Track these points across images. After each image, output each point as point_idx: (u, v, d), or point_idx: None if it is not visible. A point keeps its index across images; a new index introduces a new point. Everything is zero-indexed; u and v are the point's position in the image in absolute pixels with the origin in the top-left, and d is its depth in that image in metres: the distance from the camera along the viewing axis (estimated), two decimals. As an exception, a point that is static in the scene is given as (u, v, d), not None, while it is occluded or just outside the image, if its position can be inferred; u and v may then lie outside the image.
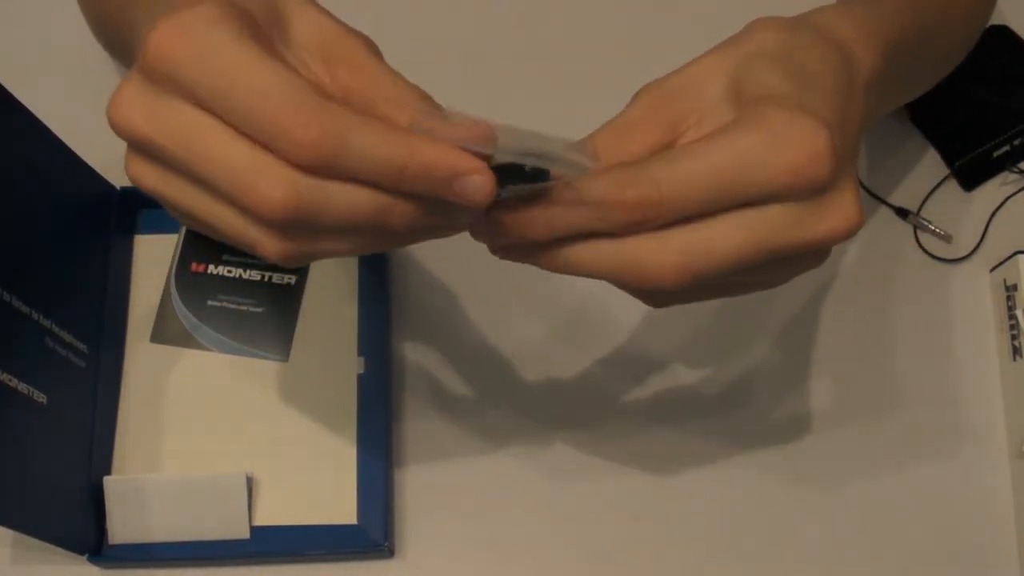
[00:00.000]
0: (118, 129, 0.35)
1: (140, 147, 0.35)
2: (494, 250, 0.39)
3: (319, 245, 0.35)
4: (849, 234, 0.36)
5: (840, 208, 0.36)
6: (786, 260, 0.37)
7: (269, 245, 0.35)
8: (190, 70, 0.32)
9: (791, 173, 0.34)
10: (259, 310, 0.62)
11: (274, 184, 0.32)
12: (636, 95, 0.39)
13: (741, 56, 0.38)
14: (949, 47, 0.57)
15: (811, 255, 0.38)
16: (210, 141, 0.33)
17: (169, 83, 0.33)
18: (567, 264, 0.37)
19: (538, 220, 0.36)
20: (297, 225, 0.34)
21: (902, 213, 0.64)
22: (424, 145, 0.33)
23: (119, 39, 0.49)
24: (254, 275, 0.63)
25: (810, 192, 0.35)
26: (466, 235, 0.64)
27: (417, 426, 0.60)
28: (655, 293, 0.38)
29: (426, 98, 0.36)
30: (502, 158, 0.35)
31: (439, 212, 0.35)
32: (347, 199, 0.33)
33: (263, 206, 0.33)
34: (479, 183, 0.34)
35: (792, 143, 0.34)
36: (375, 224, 0.34)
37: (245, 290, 0.62)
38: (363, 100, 0.35)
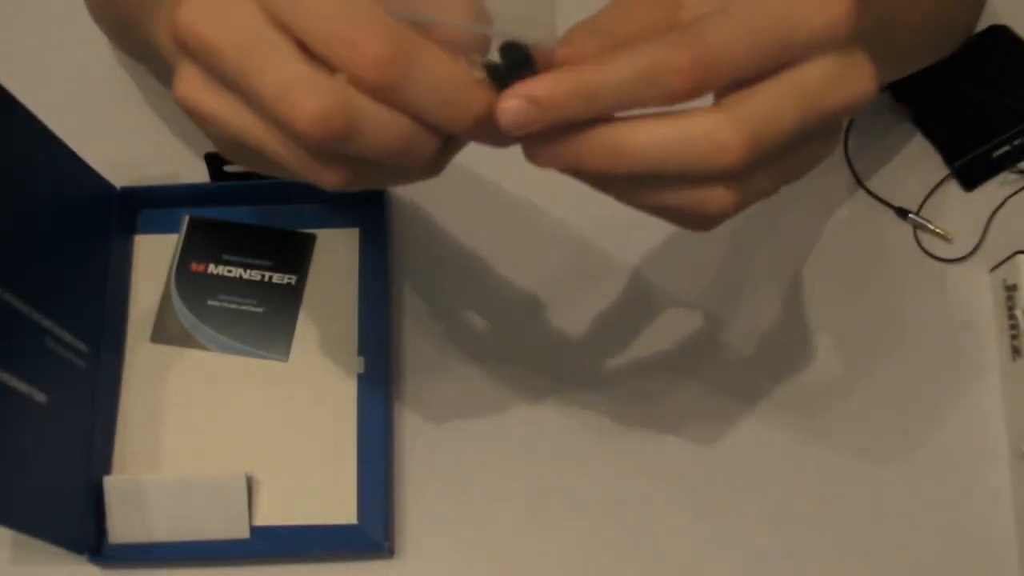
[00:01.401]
0: (182, 31, 0.33)
1: (198, 54, 0.33)
2: (531, 154, 0.36)
3: (357, 172, 0.34)
4: (870, 96, 0.35)
5: (863, 67, 0.35)
6: (828, 127, 0.36)
7: (320, 173, 0.34)
8: None
9: (830, 25, 0.34)
10: (259, 310, 0.62)
11: (320, 97, 0.32)
12: None
13: None
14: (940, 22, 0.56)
15: (838, 125, 0.37)
16: (269, 51, 0.32)
17: None
18: (620, 153, 0.34)
19: (578, 101, 0.34)
20: (335, 145, 0.33)
21: (902, 213, 0.64)
22: (478, 90, 0.33)
23: (136, 28, 0.49)
24: (254, 275, 0.63)
25: (844, 45, 0.34)
26: (465, 241, 0.65)
27: (417, 426, 0.60)
28: (712, 195, 0.36)
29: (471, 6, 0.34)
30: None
31: (459, 145, 0.35)
32: (389, 125, 0.33)
33: (304, 121, 0.32)
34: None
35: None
36: (412, 153, 0.34)
37: (245, 290, 0.62)
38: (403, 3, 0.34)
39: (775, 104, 0.34)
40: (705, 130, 0.34)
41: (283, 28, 0.32)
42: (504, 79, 0.34)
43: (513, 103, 0.33)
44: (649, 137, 0.34)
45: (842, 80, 0.35)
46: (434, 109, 0.33)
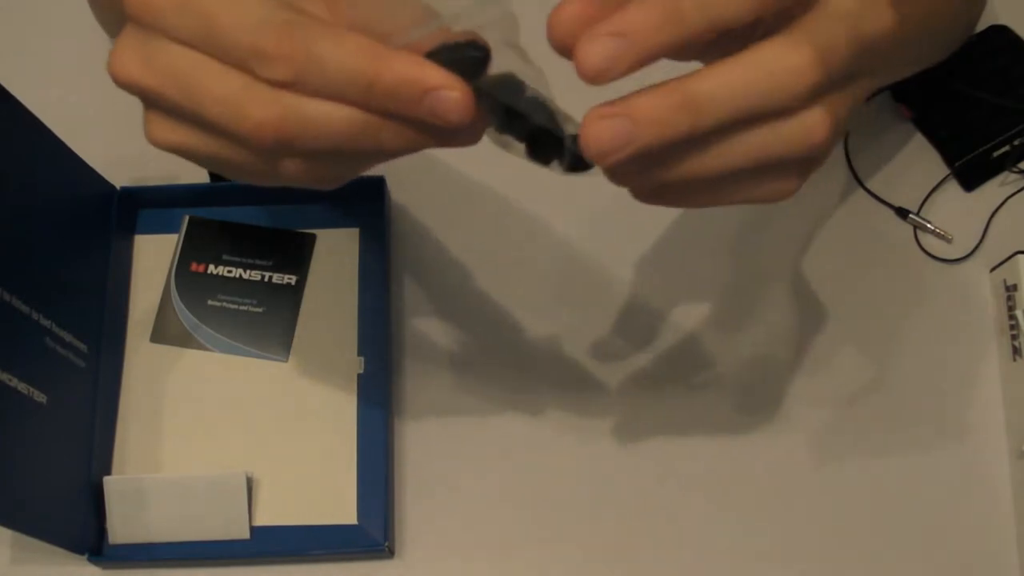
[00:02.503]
0: (118, 80, 0.35)
1: (142, 96, 0.35)
2: (639, 193, 0.35)
3: (327, 166, 0.35)
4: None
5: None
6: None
7: (286, 171, 0.35)
8: (170, 16, 0.33)
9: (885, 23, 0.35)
10: (259, 310, 0.62)
11: (259, 106, 0.32)
12: None
13: None
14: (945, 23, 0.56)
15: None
16: (201, 76, 0.33)
17: (154, 28, 0.34)
18: (699, 106, 0.32)
19: (683, 117, 0.32)
20: (287, 147, 0.33)
21: (902, 213, 0.64)
22: (394, 58, 0.32)
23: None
24: (254, 275, 0.63)
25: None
26: (465, 242, 0.65)
27: (417, 426, 0.60)
28: (809, 120, 0.34)
29: (426, 12, 0.33)
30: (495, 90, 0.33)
31: (429, 131, 0.34)
32: (329, 117, 0.33)
33: (252, 130, 0.33)
34: (454, 100, 0.32)
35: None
36: (365, 144, 0.34)
37: (245, 290, 0.62)
38: (364, 25, 0.34)
39: (829, 29, 0.33)
40: (775, 55, 0.32)
41: (205, 54, 0.33)
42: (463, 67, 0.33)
43: (607, 124, 0.32)
44: (721, 78, 0.32)
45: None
46: (347, 87, 0.32)
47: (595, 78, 0.31)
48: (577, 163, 0.35)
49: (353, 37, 0.32)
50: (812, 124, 0.34)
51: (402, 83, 0.32)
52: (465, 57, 0.33)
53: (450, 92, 0.32)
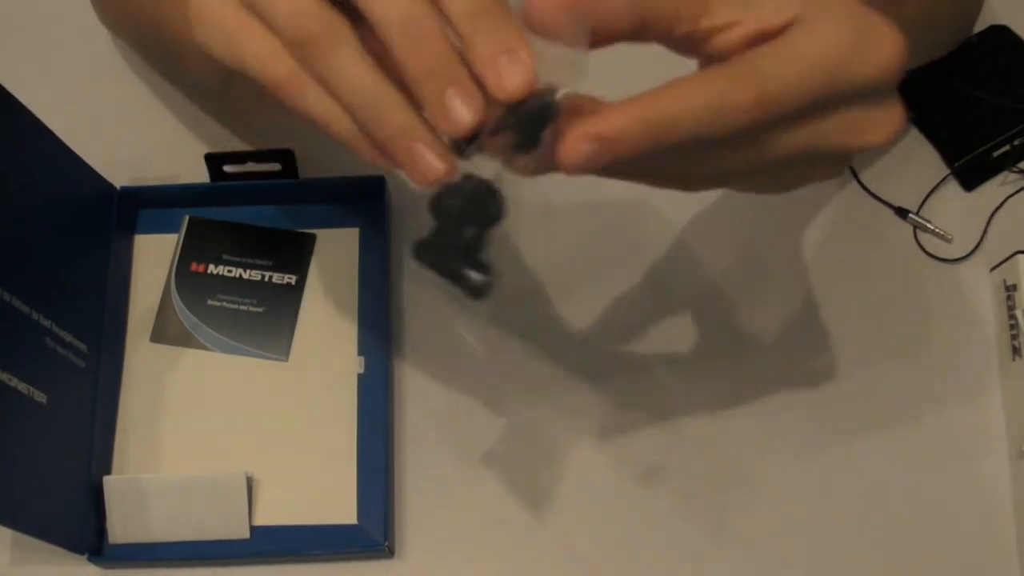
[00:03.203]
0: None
1: None
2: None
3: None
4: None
5: (895, 107, 0.38)
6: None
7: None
8: None
9: (887, 73, 0.36)
10: (259, 310, 0.62)
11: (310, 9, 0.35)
12: None
13: None
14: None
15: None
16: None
17: None
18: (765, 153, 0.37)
19: (646, 134, 0.35)
20: (307, 53, 0.35)
21: (902, 213, 0.64)
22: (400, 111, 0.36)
23: (152, 25, 0.52)
24: (254, 275, 0.63)
25: (887, 81, 0.37)
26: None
27: (417, 426, 0.60)
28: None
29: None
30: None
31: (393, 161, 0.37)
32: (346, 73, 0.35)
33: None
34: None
35: (877, 37, 0.36)
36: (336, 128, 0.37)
37: (245, 290, 0.62)
38: None
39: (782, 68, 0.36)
40: (724, 89, 0.35)
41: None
42: (524, 126, 0.35)
43: (582, 146, 0.34)
44: (680, 103, 0.35)
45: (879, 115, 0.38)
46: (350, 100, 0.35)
47: (574, 172, 0.35)
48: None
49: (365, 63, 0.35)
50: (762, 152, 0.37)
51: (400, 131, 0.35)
52: (539, 107, 0.35)
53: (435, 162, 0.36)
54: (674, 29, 0.36)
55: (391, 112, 0.35)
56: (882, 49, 0.36)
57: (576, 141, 0.34)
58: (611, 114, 0.34)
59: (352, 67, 0.35)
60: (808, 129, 0.36)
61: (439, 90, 0.34)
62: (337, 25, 0.35)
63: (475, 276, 0.41)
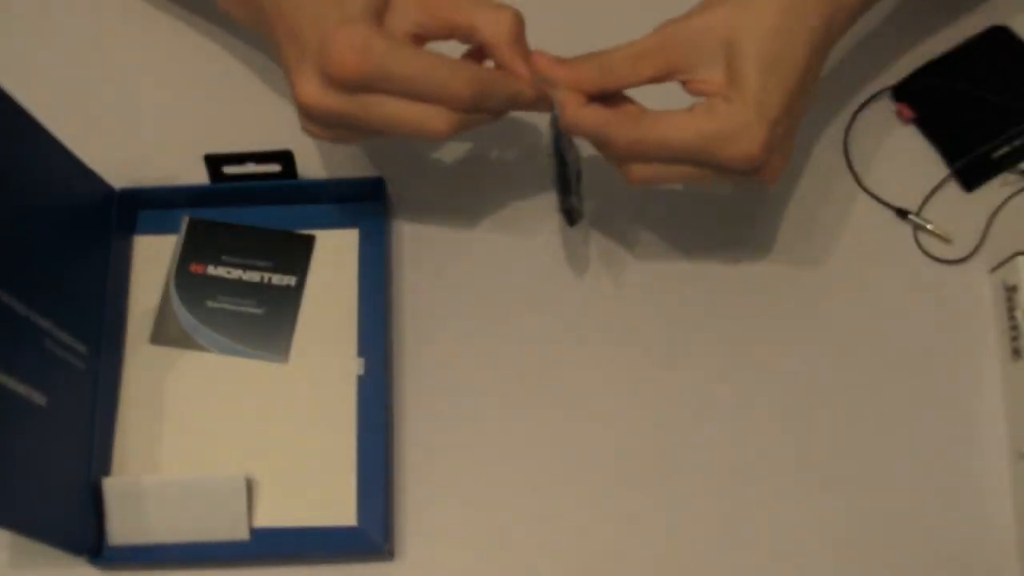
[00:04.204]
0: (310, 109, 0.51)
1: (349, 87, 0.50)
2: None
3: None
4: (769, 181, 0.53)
5: (766, 172, 0.52)
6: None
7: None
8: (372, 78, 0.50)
9: (732, 160, 0.50)
10: (259, 311, 0.62)
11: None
12: (656, 31, 0.52)
13: (744, 24, 0.51)
14: None
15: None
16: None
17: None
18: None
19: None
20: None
21: (902, 214, 0.64)
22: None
23: None
24: (253, 276, 0.62)
25: (742, 172, 0.51)
26: (465, 241, 0.65)
27: (417, 426, 0.60)
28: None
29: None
30: None
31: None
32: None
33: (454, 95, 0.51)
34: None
35: (741, 142, 0.50)
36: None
37: (245, 291, 0.62)
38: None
39: (672, 175, 0.53)
40: (684, 129, 0.52)
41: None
42: None
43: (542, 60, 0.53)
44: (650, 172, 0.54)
45: (738, 178, 0.53)
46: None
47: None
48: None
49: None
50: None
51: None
52: None
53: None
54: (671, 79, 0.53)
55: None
56: (741, 148, 0.50)
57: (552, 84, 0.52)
58: (559, 70, 0.52)
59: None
60: (674, 169, 0.52)
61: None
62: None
63: (577, 202, 0.57)
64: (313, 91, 0.50)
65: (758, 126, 0.50)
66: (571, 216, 0.57)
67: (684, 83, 0.53)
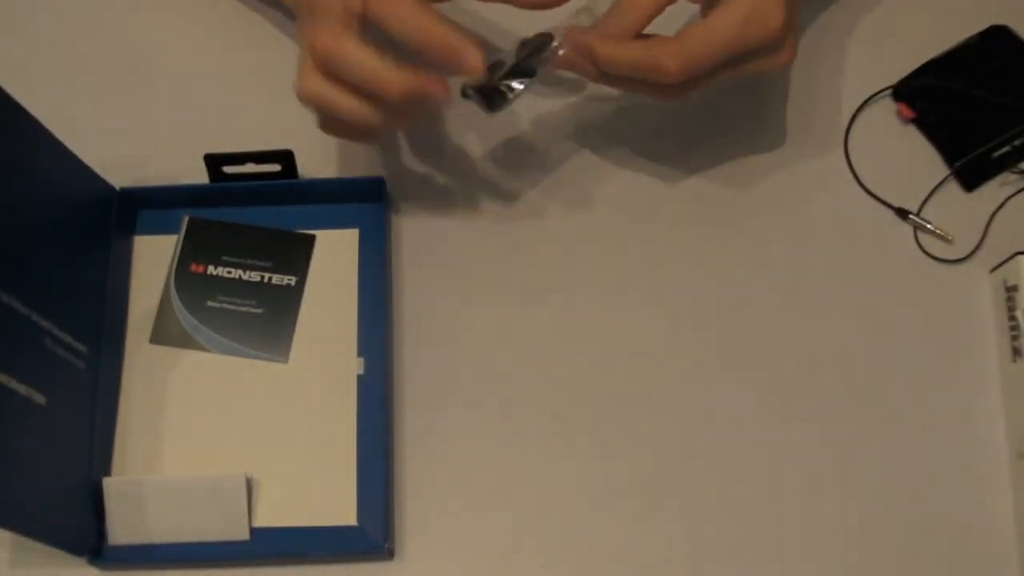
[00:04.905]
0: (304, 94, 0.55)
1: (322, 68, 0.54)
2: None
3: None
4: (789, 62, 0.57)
5: (786, 50, 0.57)
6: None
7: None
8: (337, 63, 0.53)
9: (763, 41, 0.55)
10: (259, 311, 0.62)
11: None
12: None
13: None
14: None
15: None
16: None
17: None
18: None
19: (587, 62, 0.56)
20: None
21: (902, 213, 0.64)
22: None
23: None
24: (254, 276, 0.62)
25: (771, 49, 0.56)
26: (465, 241, 0.65)
27: (416, 427, 0.60)
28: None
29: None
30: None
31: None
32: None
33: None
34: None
35: (768, 20, 0.54)
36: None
37: (245, 291, 0.62)
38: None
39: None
40: (656, 57, 0.55)
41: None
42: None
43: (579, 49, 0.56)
44: (618, 53, 0.56)
45: (770, 57, 0.57)
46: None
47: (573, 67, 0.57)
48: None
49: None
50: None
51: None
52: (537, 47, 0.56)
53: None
54: None
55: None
56: (768, 22, 0.54)
57: (576, 46, 0.56)
58: (595, 41, 0.55)
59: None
60: (722, 73, 0.56)
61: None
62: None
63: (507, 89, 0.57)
64: (303, 74, 0.54)
65: (775, 3, 0.55)
66: (493, 97, 0.57)
67: None
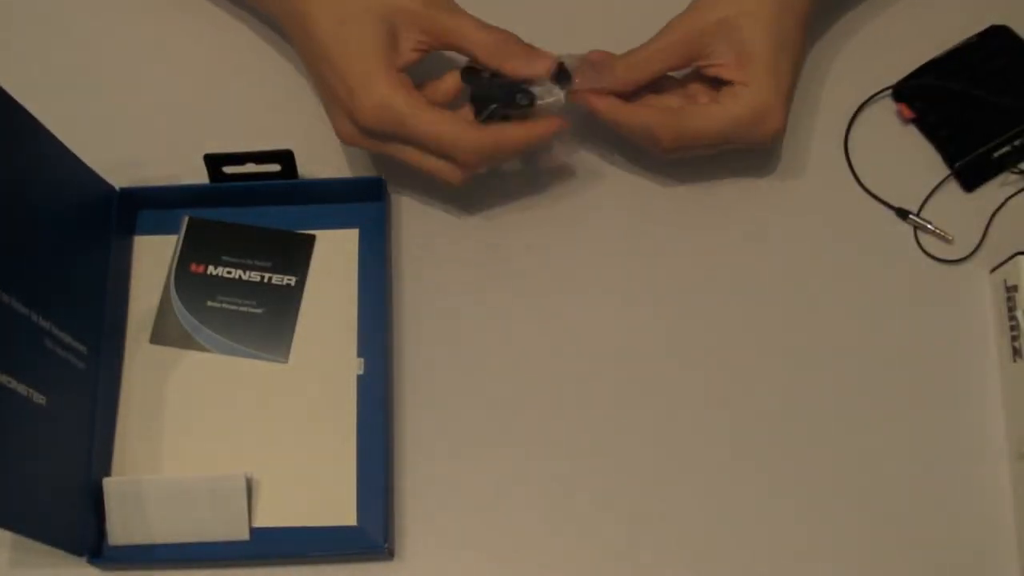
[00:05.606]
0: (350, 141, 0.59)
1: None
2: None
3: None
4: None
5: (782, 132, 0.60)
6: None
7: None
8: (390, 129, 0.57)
9: (762, 138, 0.59)
10: (259, 311, 0.62)
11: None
12: (670, 27, 0.59)
13: (745, 10, 0.58)
14: None
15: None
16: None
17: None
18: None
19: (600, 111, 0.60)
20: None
21: (902, 214, 0.64)
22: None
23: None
24: (254, 276, 0.62)
25: (770, 145, 0.61)
26: (465, 241, 0.65)
27: (417, 426, 0.60)
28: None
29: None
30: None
31: None
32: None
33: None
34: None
35: (767, 121, 0.58)
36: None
37: (245, 291, 0.62)
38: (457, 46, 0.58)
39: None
40: (652, 128, 0.60)
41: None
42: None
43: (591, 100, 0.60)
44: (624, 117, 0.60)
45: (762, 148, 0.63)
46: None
47: (593, 104, 0.60)
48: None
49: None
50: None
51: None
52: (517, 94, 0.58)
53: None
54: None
55: None
56: (766, 126, 0.58)
57: (591, 97, 0.59)
58: (600, 100, 0.59)
59: None
60: (709, 150, 0.60)
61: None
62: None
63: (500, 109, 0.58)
64: (346, 131, 0.58)
65: (777, 104, 0.58)
66: (481, 111, 0.59)
67: (701, 68, 0.60)
